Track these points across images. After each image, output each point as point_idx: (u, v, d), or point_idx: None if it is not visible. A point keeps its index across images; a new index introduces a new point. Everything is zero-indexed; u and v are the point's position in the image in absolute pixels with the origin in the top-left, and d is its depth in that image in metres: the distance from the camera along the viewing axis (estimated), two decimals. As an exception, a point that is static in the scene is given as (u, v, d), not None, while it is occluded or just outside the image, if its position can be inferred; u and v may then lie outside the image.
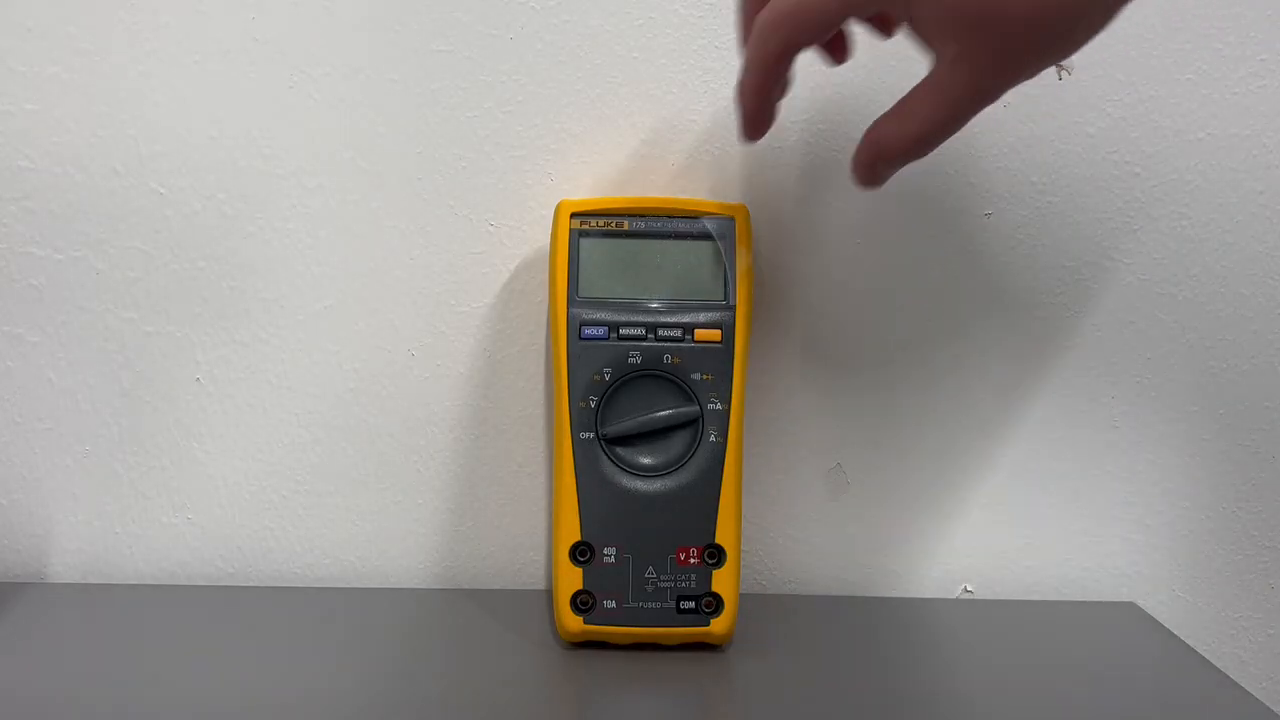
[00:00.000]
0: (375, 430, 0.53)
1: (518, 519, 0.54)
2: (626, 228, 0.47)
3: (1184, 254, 0.53)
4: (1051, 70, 0.52)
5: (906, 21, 0.33)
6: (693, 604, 0.46)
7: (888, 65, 0.51)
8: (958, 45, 0.32)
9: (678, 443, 0.46)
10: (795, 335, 0.53)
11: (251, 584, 0.53)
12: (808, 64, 0.51)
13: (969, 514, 0.55)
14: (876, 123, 0.37)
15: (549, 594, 0.52)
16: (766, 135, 0.41)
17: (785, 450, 0.54)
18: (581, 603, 0.46)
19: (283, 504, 0.53)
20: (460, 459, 0.53)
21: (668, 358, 0.46)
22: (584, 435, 0.46)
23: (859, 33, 0.51)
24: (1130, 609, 0.54)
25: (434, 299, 0.52)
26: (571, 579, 0.46)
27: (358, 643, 0.47)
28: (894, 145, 0.36)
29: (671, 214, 0.48)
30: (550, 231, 0.48)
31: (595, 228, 0.47)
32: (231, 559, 0.53)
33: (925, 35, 0.33)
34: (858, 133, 0.52)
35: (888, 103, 0.52)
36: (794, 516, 0.54)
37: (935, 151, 0.53)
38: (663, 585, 0.46)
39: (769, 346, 0.53)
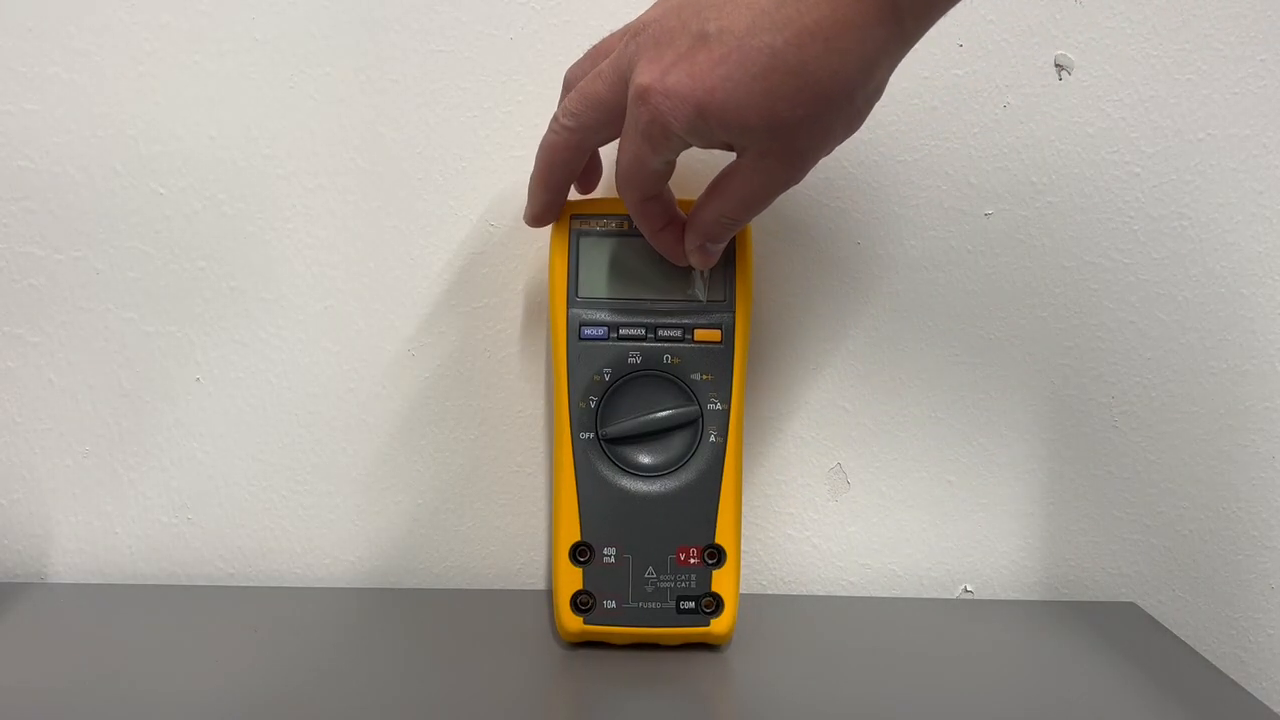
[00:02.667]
0: (375, 430, 0.53)
1: (518, 519, 0.54)
2: (626, 228, 0.47)
3: (1184, 254, 0.54)
4: (1052, 70, 0.52)
5: (708, 147, 0.38)
6: (693, 604, 0.46)
7: (888, 65, 0.51)
8: (759, 148, 0.37)
9: (678, 443, 0.46)
10: (795, 335, 0.53)
11: (251, 584, 0.53)
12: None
13: (969, 514, 0.55)
14: (695, 211, 0.42)
15: (549, 594, 0.52)
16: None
17: (785, 450, 0.54)
18: (581, 603, 0.46)
19: (283, 504, 0.53)
20: (460, 459, 0.53)
21: (667, 358, 0.46)
22: (584, 435, 0.46)
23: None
24: (1130, 609, 0.54)
25: (434, 299, 0.52)
26: (571, 579, 0.46)
27: (358, 643, 0.47)
28: (715, 227, 0.42)
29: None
30: (550, 231, 0.48)
31: (595, 228, 0.47)
32: (231, 559, 0.53)
33: (723, 145, 0.38)
34: (858, 132, 0.52)
35: (887, 102, 0.52)
36: (794, 516, 0.54)
37: (935, 151, 0.53)
38: (663, 585, 0.46)
39: (769, 346, 0.53)
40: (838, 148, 0.39)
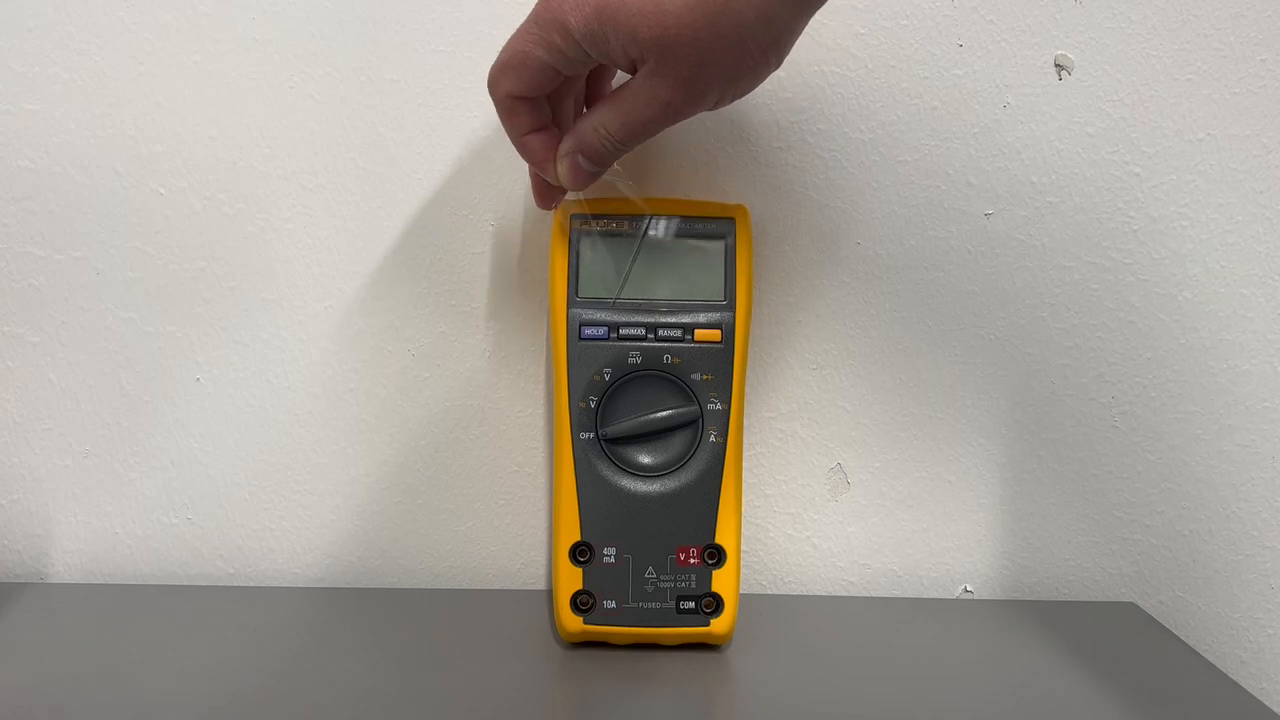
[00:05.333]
0: (375, 430, 0.53)
1: (518, 519, 0.54)
2: (626, 228, 0.47)
3: (1184, 254, 0.53)
4: (1052, 70, 0.52)
5: (609, 61, 0.39)
6: (693, 604, 0.46)
7: (887, 65, 0.51)
8: (649, 64, 0.38)
9: (678, 443, 0.46)
10: (795, 335, 0.53)
11: (251, 584, 0.53)
12: (806, 65, 0.51)
13: (969, 514, 0.55)
14: (579, 119, 0.42)
15: (549, 594, 0.52)
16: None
17: (785, 450, 0.54)
18: (581, 603, 0.46)
19: (283, 504, 0.53)
20: (460, 459, 0.53)
21: (668, 358, 0.46)
22: (584, 435, 0.46)
23: (863, 33, 0.52)
24: (1130, 609, 0.54)
25: (434, 299, 0.52)
26: (571, 579, 0.46)
27: (358, 642, 0.47)
28: (592, 137, 0.41)
29: (671, 214, 0.48)
30: (550, 231, 0.48)
31: (595, 228, 0.47)
32: (231, 559, 0.53)
33: (625, 62, 0.39)
34: (858, 132, 0.52)
35: (887, 102, 0.52)
36: (794, 516, 0.54)
37: (935, 151, 0.53)
38: (663, 585, 0.46)
39: (769, 346, 0.53)
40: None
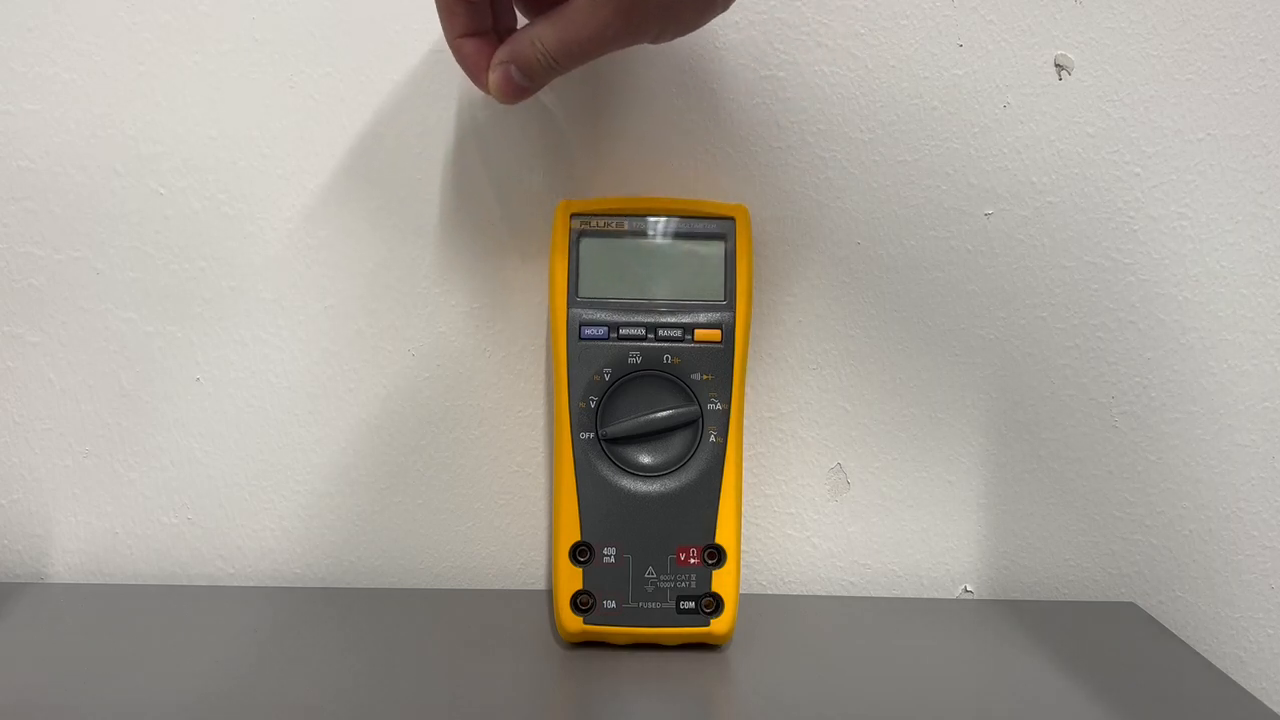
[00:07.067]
0: (375, 430, 0.53)
1: (518, 519, 0.54)
2: (626, 228, 0.47)
3: (1184, 254, 0.53)
4: (1052, 70, 0.52)
5: None
6: (693, 604, 0.46)
7: (887, 65, 0.51)
8: None
9: (678, 443, 0.46)
10: (795, 335, 0.53)
11: (251, 584, 0.53)
12: (806, 65, 0.51)
13: (969, 514, 0.55)
14: (516, 34, 0.41)
15: (549, 594, 0.52)
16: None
17: (785, 450, 0.54)
18: (581, 603, 0.46)
19: (283, 504, 0.53)
20: (460, 459, 0.53)
21: (668, 358, 0.46)
22: (584, 435, 0.46)
23: (863, 33, 0.52)
24: (1130, 609, 0.54)
25: (434, 299, 0.52)
26: (571, 579, 0.46)
27: (358, 643, 0.47)
28: (527, 49, 0.40)
29: (671, 214, 0.48)
30: (550, 231, 0.48)
31: (595, 228, 0.47)
32: (231, 559, 0.53)
33: None
34: (858, 133, 0.52)
35: (887, 102, 0.52)
36: (794, 516, 0.54)
37: (935, 151, 0.53)
38: (663, 585, 0.46)
39: (769, 346, 0.53)
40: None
